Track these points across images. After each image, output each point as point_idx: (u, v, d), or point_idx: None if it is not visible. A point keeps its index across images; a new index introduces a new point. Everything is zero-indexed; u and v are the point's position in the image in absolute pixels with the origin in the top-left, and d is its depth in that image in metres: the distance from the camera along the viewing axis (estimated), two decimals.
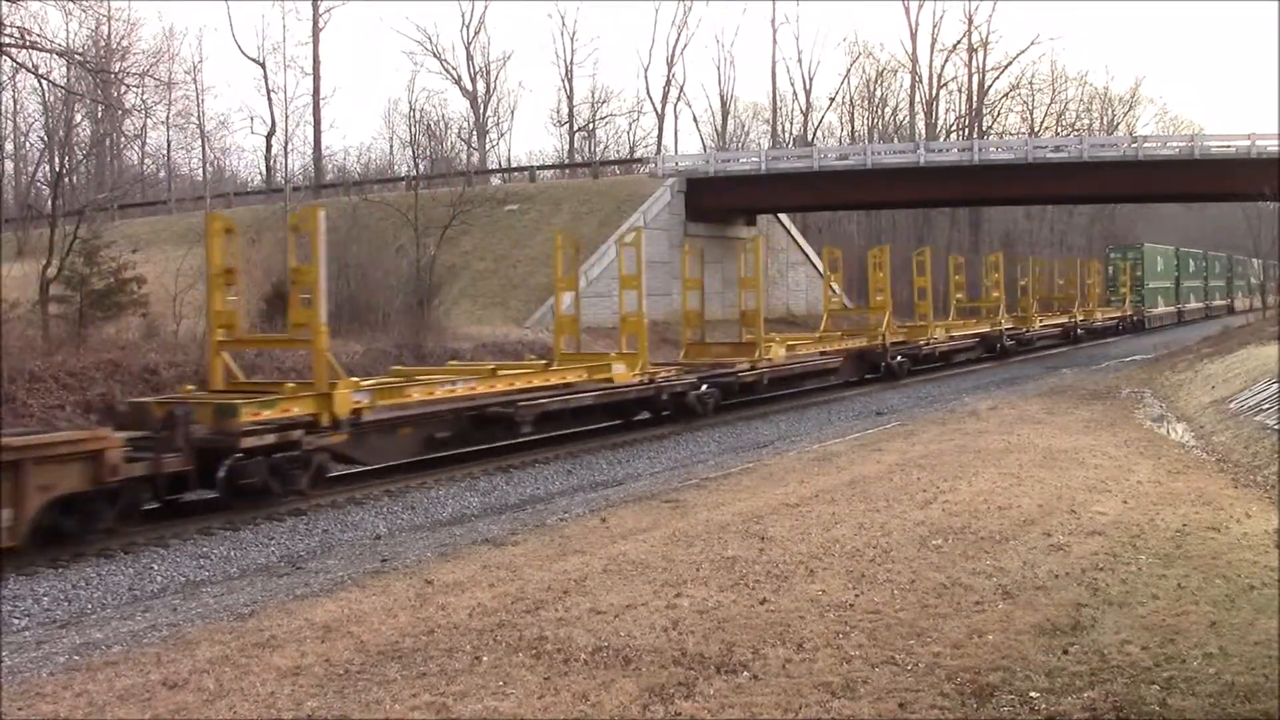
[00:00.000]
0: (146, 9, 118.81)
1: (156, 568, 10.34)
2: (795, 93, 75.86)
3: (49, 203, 29.25)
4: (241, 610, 8.43)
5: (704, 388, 20.00)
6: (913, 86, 71.01)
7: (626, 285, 20.30)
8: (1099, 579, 8.38)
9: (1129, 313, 49.06)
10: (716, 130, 72.55)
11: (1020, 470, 13.39)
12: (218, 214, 17.49)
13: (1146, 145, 41.43)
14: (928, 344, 29.83)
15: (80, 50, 42.29)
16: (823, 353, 25.11)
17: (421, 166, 51.17)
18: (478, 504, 13.40)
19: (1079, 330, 41.62)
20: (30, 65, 28.23)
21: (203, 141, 55.36)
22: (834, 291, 33.77)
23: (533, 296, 36.05)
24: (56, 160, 45.88)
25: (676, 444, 17.89)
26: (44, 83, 38.68)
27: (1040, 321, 38.97)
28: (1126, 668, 6.45)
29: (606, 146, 71.58)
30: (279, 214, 31.32)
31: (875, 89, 73.45)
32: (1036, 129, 72.02)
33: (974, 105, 69.73)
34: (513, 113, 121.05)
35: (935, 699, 6.03)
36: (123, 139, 56.69)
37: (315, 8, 55.93)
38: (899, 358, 27.75)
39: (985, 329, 34.72)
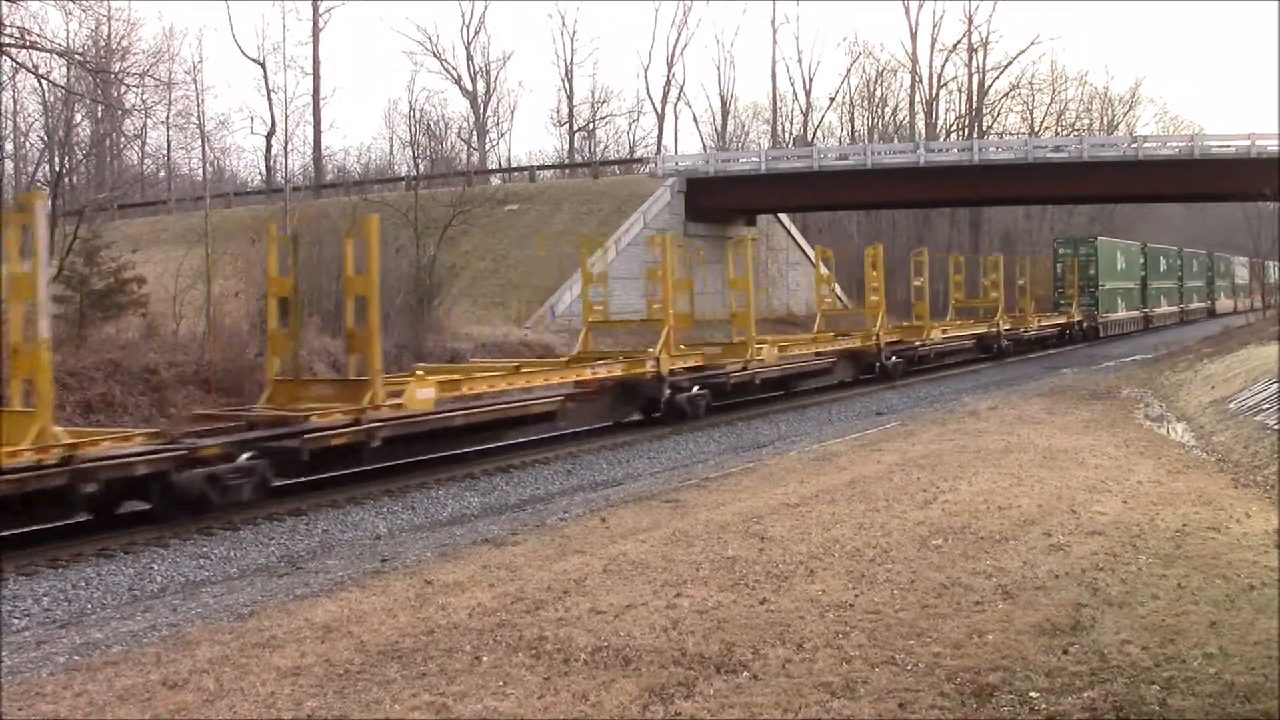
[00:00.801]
0: (146, 9, 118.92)
1: (156, 568, 10.34)
2: (795, 93, 75.98)
3: (49, 203, 29.22)
4: (241, 610, 8.43)
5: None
6: (913, 86, 71.08)
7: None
8: (1099, 579, 8.38)
9: (1076, 318, 42.82)
10: (716, 130, 72.63)
11: (1020, 470, 13.39)
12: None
13: (1146, 145, 41.47)
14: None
15: (80, 50, 42.32)
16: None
17: (421, 166, 51.23)
18: (478, 504, 13.40)
19: (1003, 342, 34.70)
20: (30, 65, 28.27)
21: (203, 141, 55.37)
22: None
23: (533, 296, 36.07)
24: (56, 160, 45.93)
25: (676, 444, 17.90)
26: (44, 83, 38.70)
27: (939, 330, 31.93)
28: (1126, 668, 6.45)
29: (606, 146, 71.70)
30: (279, 214, 31.29)
31: (875, 89, 73.55)
32: (1036, 129, 72.07)
33: (974, 105, 69.76)
34: (513, 113, 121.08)
35: (935, 699, 6.03)
36: (123, 139, 56.71)
37: (315, 8, 56.02)
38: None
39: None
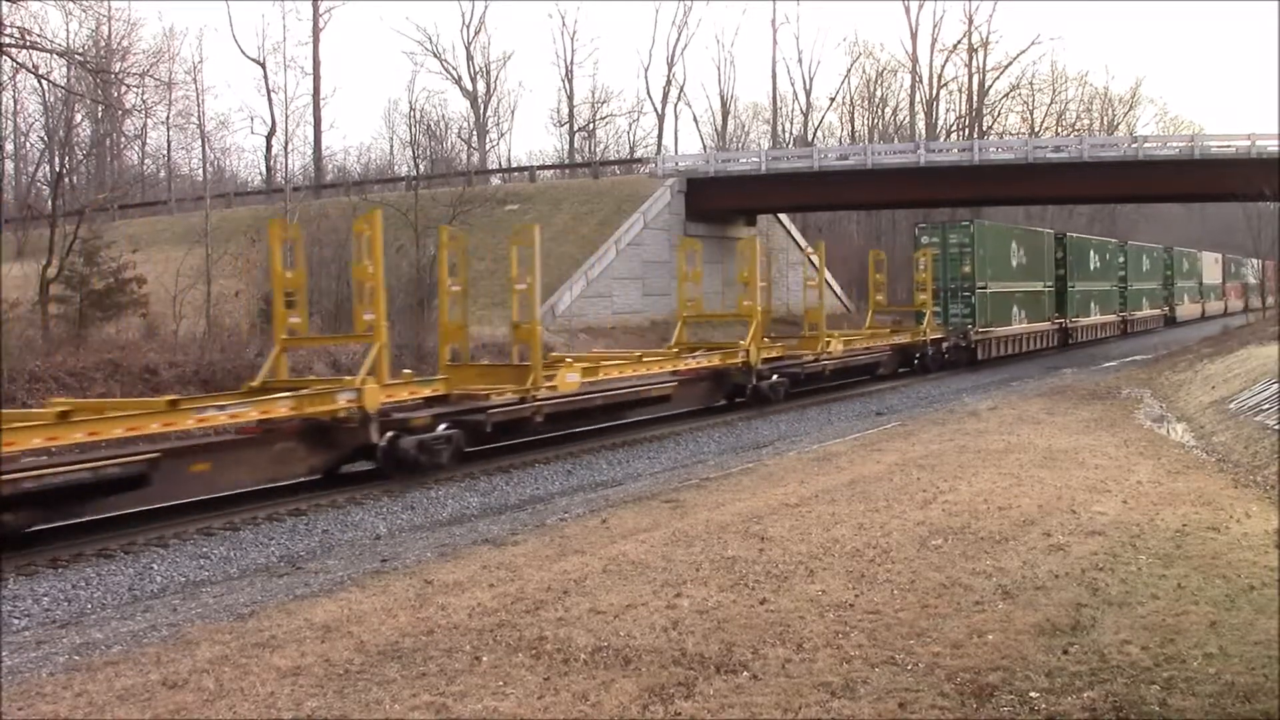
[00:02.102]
0: (146, 9, 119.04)
1: (156, 568, 10.34)
2: (795, 93, 76.21)
3: (49, 203, 29.28)
4: (241, 610, 8.43)
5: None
6: (913, 86, 71.09)
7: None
8: (1099, 579, 8.38)
9: (931, 336, 30.06)
10: (716, 130, 72.67)
11: (1020, 470, 13.39)
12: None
13: (1146, 145, 41.43)
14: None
15: (80, 50, 42.37)
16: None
17: (421, 166, 51.18)
18: (478, 504, 13.40)
19: (755, 383, 22.04)
20: (30, 65, 28.30)
21: (203, 141, 55.33)
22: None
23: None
24: (56, 160, 45.96)
25: (676, 444, 17.90)
26: (44, 83, 38.75)
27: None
28: (1126, 668, 6.45)
29: (606, 146, 71.71)
30: (279, 214, 31.31)
31: (875, 89, 73.58)
32: (1036, 129, 72.08)
33: (974, 105, 69.78)
34: (513, 113, 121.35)
35: (935, 699, 6.03)
36: (123, 139, 56.76)
37: (315, 8, 56.05)
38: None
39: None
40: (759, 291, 23.17)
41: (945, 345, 30.88)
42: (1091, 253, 43.94)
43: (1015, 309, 34.76)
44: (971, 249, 32.13)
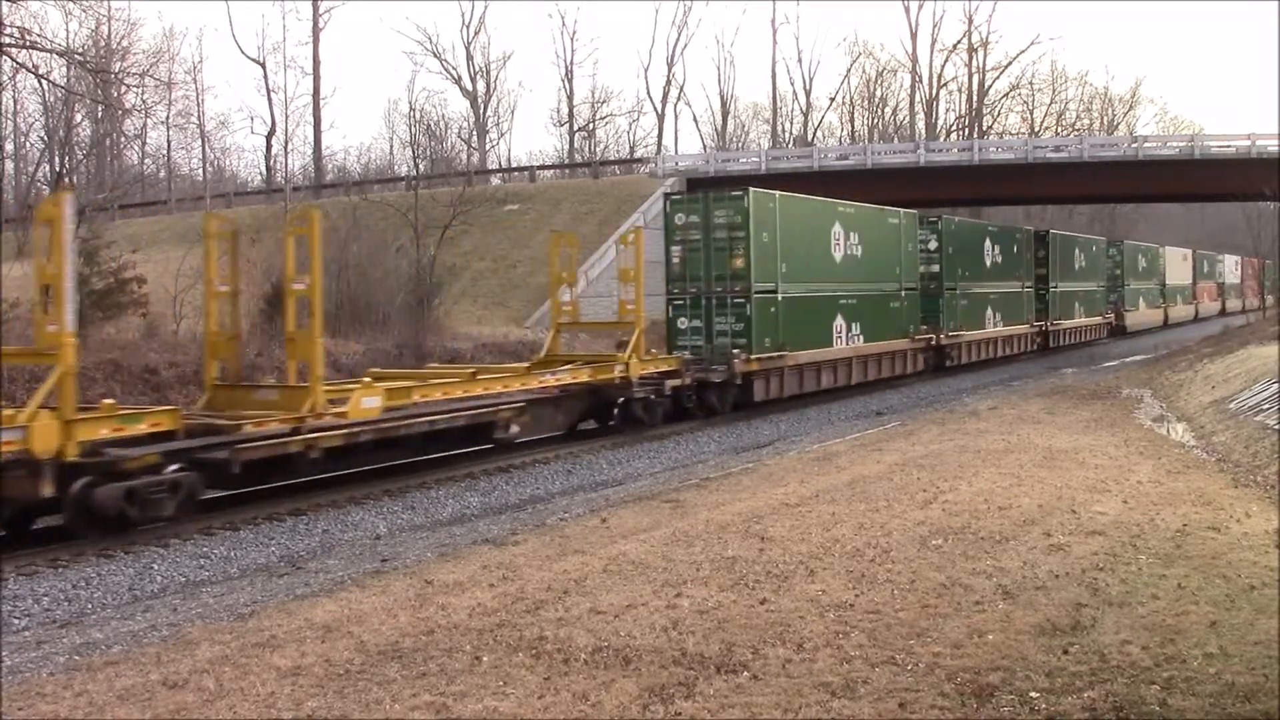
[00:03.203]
0: (146, 9, 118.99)
1: (156, 568, 10.34)
2: (795, 93, 76.24)
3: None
4: (241, 610, 8.43)
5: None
6: (913, 86, 71.16)
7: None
8: (1099, 579, 8.38)
9: (647, 369, 18.71)
10: (716, 130, 72.76)
11: (1020, 470, 13.39)
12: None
13: (1146, 145, 41.52)
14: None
15: (80, 50, 42.33)
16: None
17: (421, 166, 51.22)
18: (478, 504, 13.40)
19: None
20: (30, 65, 28.28)
21: (203, 141, 55.45)
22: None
23: (533, 296, 36.11)
24: (56, 160, 45.94)
25: (676, 444, 17.89)
26: (44, 83, 38.73)
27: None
28: (1126, 668, 6.45)
29: (606, 146, 71.81)
30: (279, 214, 31.33)
31: (875, 89, 73.70)
32: (1036, 129, 72.18)
33: (974, 105, 69.83)
34: (513, 113, 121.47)
35: (935, 699, 6.03)
36: (123, 139, 56.77)
37: (315, 8, 56.10)
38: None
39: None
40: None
41: (683, 385, 19.36)
42: (987, 244, 32.09)
43: (845, 322, 23.70)
44: (746, 228, 20.56)
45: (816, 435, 18.64)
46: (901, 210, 26.96)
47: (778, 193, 22.38)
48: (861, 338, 24.44)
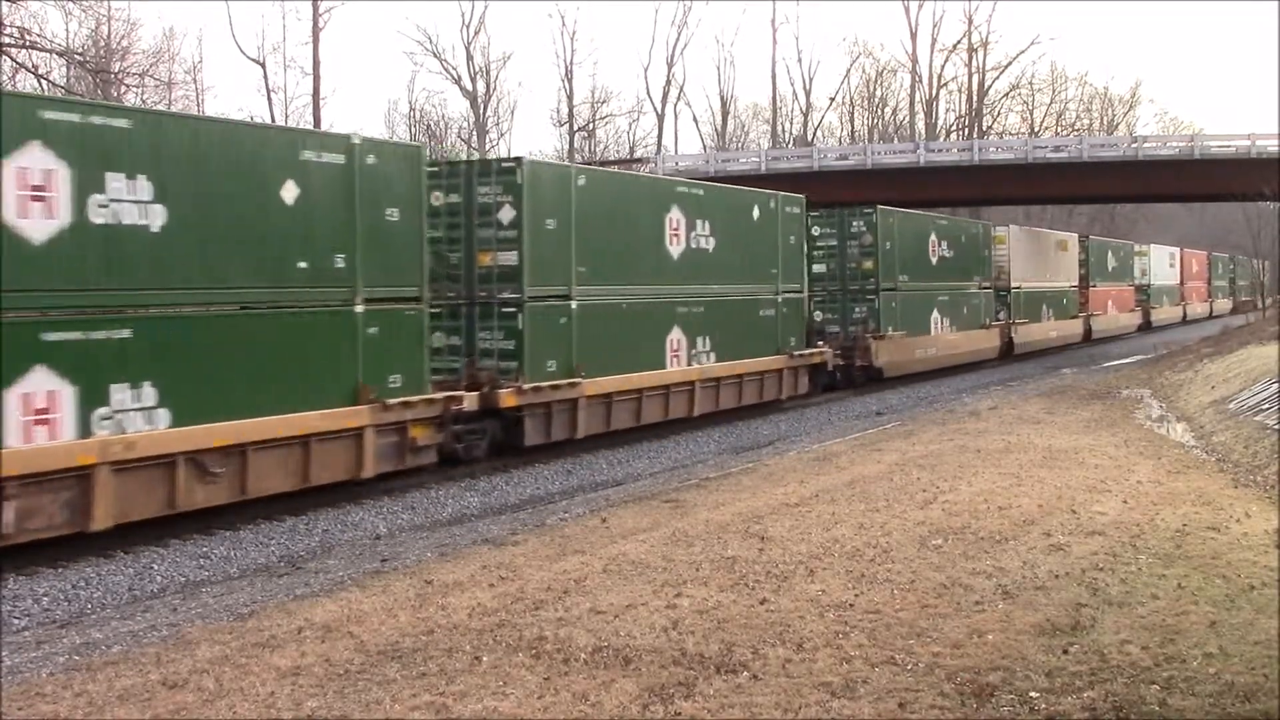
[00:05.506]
0: (146, 9, 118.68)
1: (156, 568, 10.34)
2: (795, 93, 76.18)
3: None
4: (241, 610, 8.42)
5: None
6: (913, 86, 71.16)
7: None
8: (1099, 579, 8.38)
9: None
10: (716, 130, 72.75)
11: (1020, 470, 13.39)
12: None
13: (1146, 145, 41.51)
14: None
15: (80, 50, 42.37)
16: None
17: None
18: (478, 504, 13.40)
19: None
20: (30, 65, 28.30)
21: None
22: None
23: None
24: None
25: (676, 444, 17.89)
26: (44, 83, 38.68)
27: None
28: (1126, 668, 6.45)
29: (606, 146, 71.72)
30: None
31: (875, 89, 73.71)
32: (1036, 129, 72.15)
33: (974, 105, 69.83)
34: (513, 113, 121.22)
35: (935, 699, 6.03)
36: None
37: (315, 8, 56.03)
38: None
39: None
40: None
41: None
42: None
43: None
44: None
45: (816, 435, 18.64)
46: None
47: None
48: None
